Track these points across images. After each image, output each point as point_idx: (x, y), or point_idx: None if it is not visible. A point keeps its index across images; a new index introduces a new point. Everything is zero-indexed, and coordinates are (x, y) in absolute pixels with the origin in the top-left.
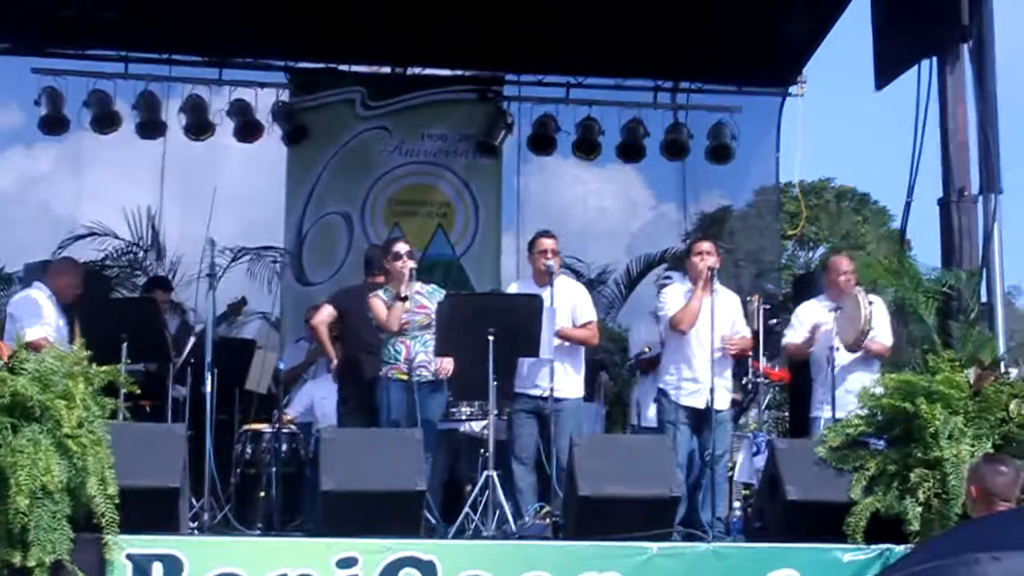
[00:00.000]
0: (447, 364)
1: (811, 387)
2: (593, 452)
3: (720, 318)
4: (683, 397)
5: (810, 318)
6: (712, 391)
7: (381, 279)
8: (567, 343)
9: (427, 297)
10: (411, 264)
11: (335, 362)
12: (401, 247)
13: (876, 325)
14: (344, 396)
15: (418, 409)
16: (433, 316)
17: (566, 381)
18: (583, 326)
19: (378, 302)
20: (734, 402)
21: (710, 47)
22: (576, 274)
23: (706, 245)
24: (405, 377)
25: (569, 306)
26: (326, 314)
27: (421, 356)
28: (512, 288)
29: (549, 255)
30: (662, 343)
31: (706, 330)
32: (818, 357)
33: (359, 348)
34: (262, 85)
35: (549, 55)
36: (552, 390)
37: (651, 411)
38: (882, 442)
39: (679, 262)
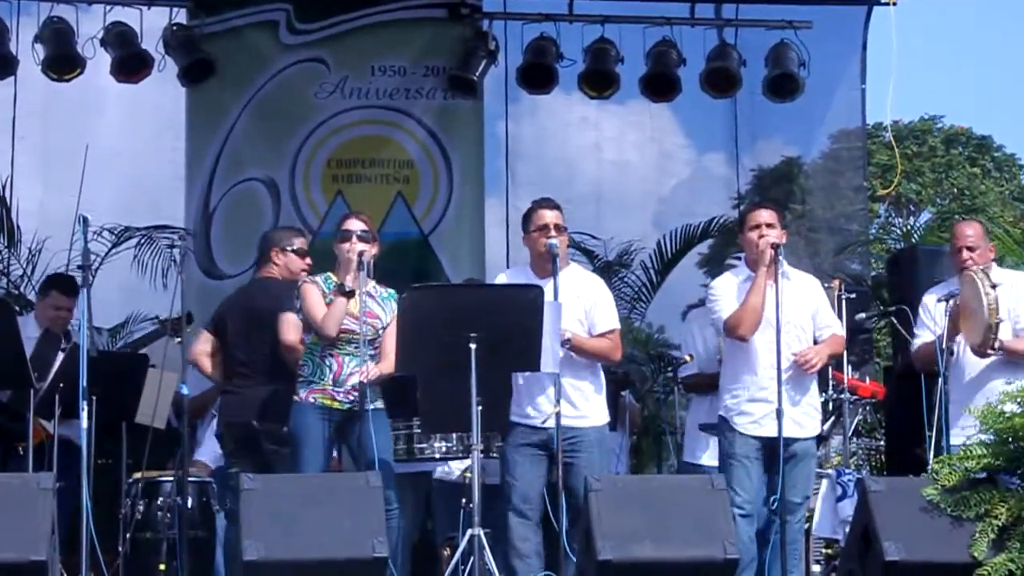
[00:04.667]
0: (376, 367)
1: (920, 405)
2: (617, 499)
3: (795, 311)
4: (751, 425)
5: (941, 309)
6: (779, 413)
7: (275, 271)
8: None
9: (380, 303)
10: (361, 247)
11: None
12: (353, 224)
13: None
14: (219, 434)
15: (362, 446)
16: (381, 331)
17: (585, 402)
18: (602, 336)
19: (314, 292)
20: None
21: None
22: (589, 255)
23: (766, 214)
24: (333, 404)
25: (581, 306)
26: (203, 344)
27: (355, 378)
28: (501, 278)
29: (552, 232)
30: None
31: (773, 330)
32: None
33: (238, 370)
34: (149, 2)
35: None
36: (559, 415)
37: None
38: (1016, 479)
39: (732, 237)
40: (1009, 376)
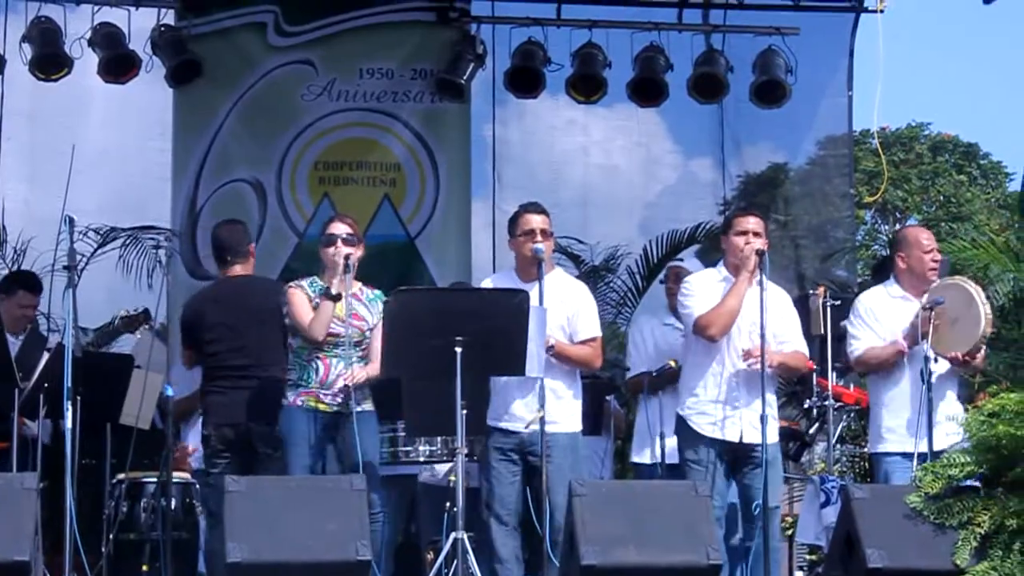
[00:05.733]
0: (363, 369)
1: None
2: (600, 504)
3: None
4: (711, 427)
5: (885, 312)
6: (763, 419)
7: (238, 270)
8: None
9: (366, 305)
10: (347, 251)
11: None
12: (338, 227)
13: None
14: (207, 436)
15: (347, 448)
16: (368, 333)
17: (558, 407)
18: (584, 343)
19: (300, 296)
20: (793, 434)
21: None
22: (575, 260)
23: (754, 221)
24: (320, 406)
25: (564, 312)
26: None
27: (342, 380)
28: (487, 283)
29: (538, 237)
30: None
31: (744, 336)
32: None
33: (221, 370)
34: (137, 3)
35: None
36: (543, 420)
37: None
38: (999, 488)
39: (719, 243)
40: (956, 387)
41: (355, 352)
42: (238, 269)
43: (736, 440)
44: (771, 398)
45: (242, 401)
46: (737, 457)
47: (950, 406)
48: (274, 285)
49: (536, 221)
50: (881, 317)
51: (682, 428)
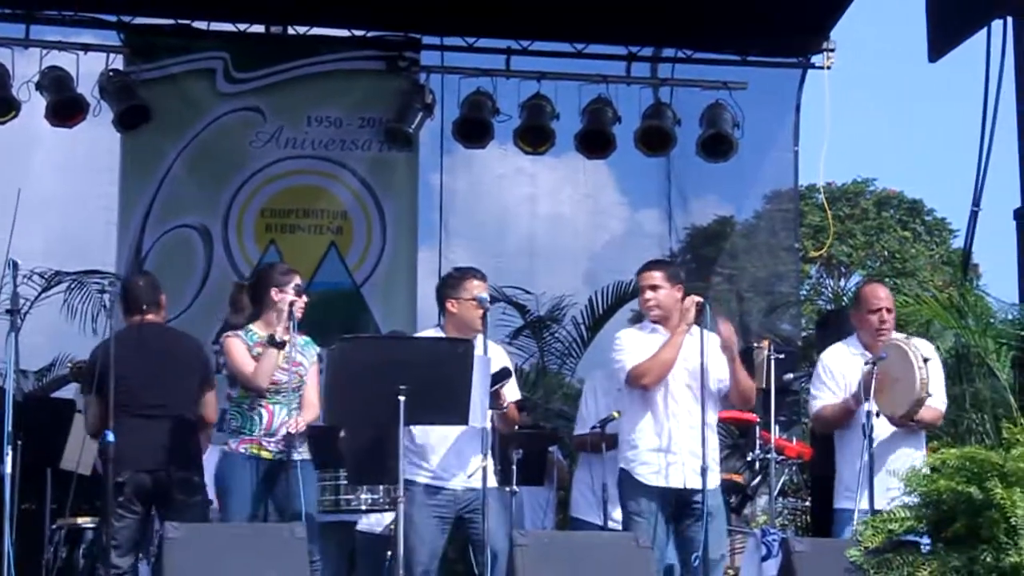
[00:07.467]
0: (302, 417)
1: (835, 467)
2: (542, 555)
3: (693, 366)
4: (655, 475)
5: (844, 369)
6: (704, 468)
7: (151, 318)
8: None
9: (301, 351)
10: (291, 298)
11: None
12: (294, 276)
13: (933, 388)
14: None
15: (287, 497)
16: (305, 378)
17: (489, 466)
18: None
19: (239, 345)
20: (735, 487)
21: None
22: (520, 309)
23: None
24: (262, 453)
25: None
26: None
27: (285, 429)
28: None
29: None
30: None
31: (680, 384)
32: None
33: (132, 408)
34: (85, 48)
35: (483, 9)
36: (485, 470)
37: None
38: (940, 543)
39: None
40: (911, 442)
41: (295, 397)
42: (151, 318)
43: (680, 486)
44: (714, 443)
45: (158, 444)
46: (679, 507)
47: (900, 463)
48: (187, 336)
49: (478, 287)
50: (839, 374)
51: (625, 480)
